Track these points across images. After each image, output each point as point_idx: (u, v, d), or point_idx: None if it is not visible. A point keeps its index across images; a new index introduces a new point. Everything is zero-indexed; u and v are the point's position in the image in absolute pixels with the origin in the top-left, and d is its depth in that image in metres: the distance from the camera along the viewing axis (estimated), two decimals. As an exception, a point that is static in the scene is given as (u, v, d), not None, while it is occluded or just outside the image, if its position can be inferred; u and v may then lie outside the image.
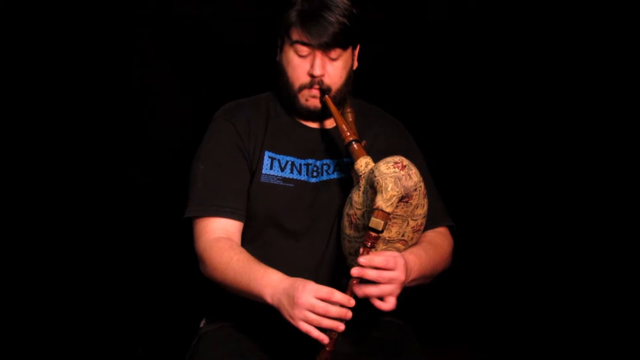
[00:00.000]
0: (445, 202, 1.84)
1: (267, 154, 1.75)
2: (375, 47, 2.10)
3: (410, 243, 1.64)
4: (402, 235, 1.60)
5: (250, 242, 1.73)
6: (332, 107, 1.71)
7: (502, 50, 2.40)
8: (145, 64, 2.32)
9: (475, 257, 2.40)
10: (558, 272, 2.43)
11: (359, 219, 1.61)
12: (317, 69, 1.69)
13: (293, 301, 1.45)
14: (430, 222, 1.71)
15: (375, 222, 1.47)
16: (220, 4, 2.30)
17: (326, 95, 1.71)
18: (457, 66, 2.43)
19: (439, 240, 1.74)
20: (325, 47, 1.68)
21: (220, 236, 1.66)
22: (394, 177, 1.49)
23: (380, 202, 1.48)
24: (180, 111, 2.35)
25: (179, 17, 2.30)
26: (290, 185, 1.74)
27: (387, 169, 1.51)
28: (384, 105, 1.94)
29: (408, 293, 1.60)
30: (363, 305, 1.51)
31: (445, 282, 1.85)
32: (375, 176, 1.51)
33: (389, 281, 1.49)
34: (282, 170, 1.75)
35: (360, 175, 1.62)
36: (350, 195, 1.66)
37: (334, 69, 1.71)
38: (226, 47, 2.33)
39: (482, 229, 2.43)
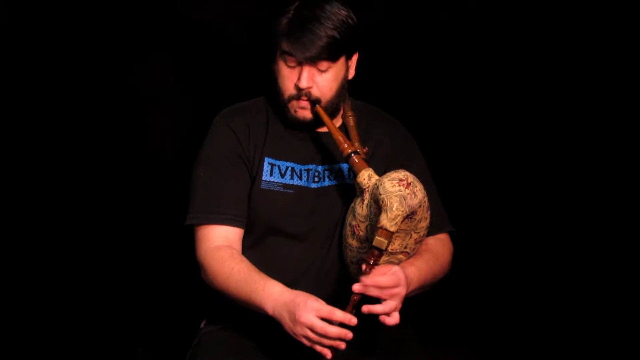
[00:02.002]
0: (447, 205, 1.83)
1: (267, 160, 1.73)
2: (376, 48, 2.09)
3: (412, 254, 1.64)
4: (405, 247, 1.60)
5: (250, 247, 1.72)
6: (325, 118, 1.67)
7: (502, 50, 2.40)
8: (145, 66, 2.31)
9: (476, 259, 2.41)
10: (557, 275, 2.43)
11: (361, 231, 1.60)
12: (304, 81, 1.65)
13: (294, 318, 1.45)
14: (431, 229, 1.68)
15: (379, 241, 1.47)
16: (220, 4, 2.29)
17: (317, 106, 1.68)
18: (458, 66, 2.42)
19: (440, 248, 1.74)
20: (311, 61, 1.63)
21: (220, 244, 1.65)
22: (399, 196, 1.48)
23: (385, 221, 1.47)
24: (180, 114, 2.35)
25: (179, 18, 2.28)
26: (290, 191, 1.72)
27: (392, 186, 1.49)
28: (384, 106, 1.92)
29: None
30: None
31: (447, 283, 1.84)
32: (380, 193, 1.50)
33: (391, 297, 1.49)
34: (282, 176, 1.73)
35: (365, 189, 1.60)
36: (353, 205, 1.65)
37: (324, 80, 1.67)
38: (226, 47, 2.32)
39: (483, 232, 2.43)
